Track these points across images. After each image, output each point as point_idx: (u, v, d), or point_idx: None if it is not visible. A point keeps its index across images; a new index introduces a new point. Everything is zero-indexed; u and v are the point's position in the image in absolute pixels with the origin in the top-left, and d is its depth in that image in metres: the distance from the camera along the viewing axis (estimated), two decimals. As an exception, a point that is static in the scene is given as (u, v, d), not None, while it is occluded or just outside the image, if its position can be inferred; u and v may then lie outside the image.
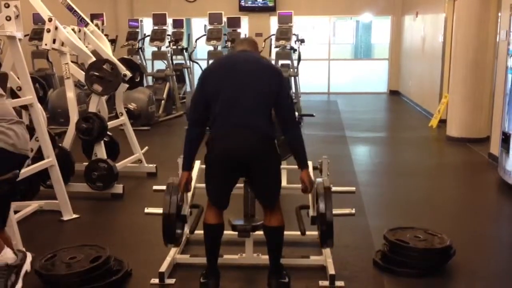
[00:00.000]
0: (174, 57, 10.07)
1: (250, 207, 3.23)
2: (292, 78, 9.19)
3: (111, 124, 5.32)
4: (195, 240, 3.67)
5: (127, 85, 5.46)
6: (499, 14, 6.33)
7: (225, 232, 3.06)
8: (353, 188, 3.75)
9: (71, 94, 5.15)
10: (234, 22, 10.47)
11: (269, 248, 3.07)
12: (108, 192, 4.92)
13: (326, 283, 3.15)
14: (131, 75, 5.28)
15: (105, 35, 6.75)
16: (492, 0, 6.93)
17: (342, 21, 22.79)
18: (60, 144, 4.95)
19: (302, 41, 9.49)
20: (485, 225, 4.40)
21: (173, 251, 3.43)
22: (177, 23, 10.59)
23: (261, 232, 3.10)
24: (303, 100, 10.06)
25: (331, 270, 3.19)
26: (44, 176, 4.37)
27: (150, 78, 10.22)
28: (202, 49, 11.42)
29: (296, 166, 3.03)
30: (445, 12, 8.43)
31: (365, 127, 8.56)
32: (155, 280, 3.19)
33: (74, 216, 4.35)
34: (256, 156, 2.87)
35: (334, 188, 3.24)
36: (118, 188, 4.94)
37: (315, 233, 3.34)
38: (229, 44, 9.80)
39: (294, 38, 9.43)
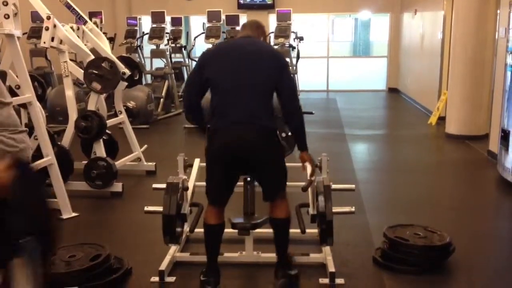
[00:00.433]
0: (172, 55, 10.07)
1: (250, 205, 3.22)
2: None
3: (110, 122, 5.31)
4: (195, 238, 3.66)
5: (126, 83, 5.44)
6: (498, 11, 6.32)
7: (225, 230, 3.05)
8: (353, 186, 3.75)
9: (70, 93, 5.13)
10: (232, 20, 10.46)
11: (276, 240, 3.06)
12: (108, 191, 4.91)
13: (326, 280, 3.16)
14: (130, 73, 5.27)
15: (104, 33, 6.74)
16: (491, -3, 6.94)
17: (341, 18, 22.82)
18: (59, 143, 4.95)
19: (301, 38, 9.49)
20: (484, 222, 4.41)
21: (173, 249, 3.43)
22: (176, 21, 10.59)
23: (261, 230, 3.10)
24: (302, 98, 9.98)
25: (331, 268, 3.19)
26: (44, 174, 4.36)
27: (149, 76, 10.20)
28: (201, 47, 11.40)
29: (296, 164, 3.03)
30: (443, 9, 8.43)
31: (364, 125, 8.56)
32: (155, 278, 3.20)
33: (74, 214, 4.35)
34: (256, 151, 2.85)
35: (333, 186, 3.25)
36: (118, 187, 4.93)
37: (315, 230, 3.33)
38: (228, 42, 9.79)
39: (292, 35, 9.43)
